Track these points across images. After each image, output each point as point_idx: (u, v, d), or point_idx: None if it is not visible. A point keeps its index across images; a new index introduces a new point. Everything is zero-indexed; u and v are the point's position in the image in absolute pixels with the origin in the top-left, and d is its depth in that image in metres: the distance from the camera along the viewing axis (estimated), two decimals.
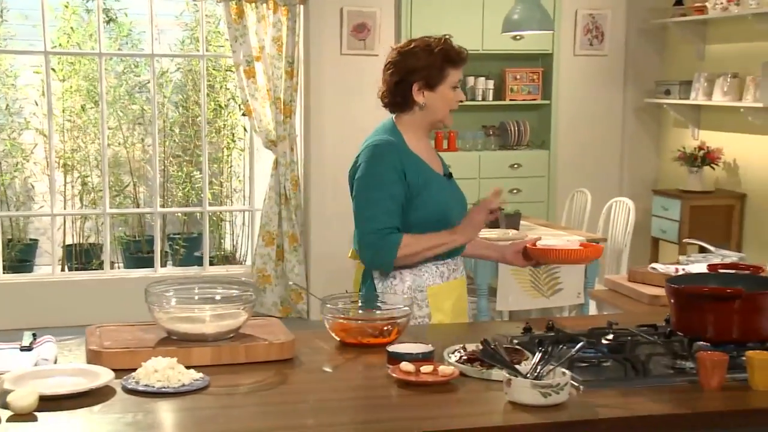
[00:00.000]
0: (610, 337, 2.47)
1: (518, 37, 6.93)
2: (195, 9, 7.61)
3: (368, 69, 6.94)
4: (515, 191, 7.10)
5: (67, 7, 7.46)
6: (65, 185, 7.67)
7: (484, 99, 7.17)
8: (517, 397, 2.03)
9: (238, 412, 1.99)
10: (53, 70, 7.23)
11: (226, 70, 7.72)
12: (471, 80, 7.14)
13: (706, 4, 6.54)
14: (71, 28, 7.44)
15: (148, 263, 7.27)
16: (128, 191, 7.97)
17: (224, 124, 7.92)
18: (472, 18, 6.89)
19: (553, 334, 2.51)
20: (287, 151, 6.81)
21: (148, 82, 7.26)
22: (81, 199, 7.72)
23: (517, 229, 5.45)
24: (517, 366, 2.13)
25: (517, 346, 2.39)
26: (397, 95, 2.90)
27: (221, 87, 7.90)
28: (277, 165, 6.84)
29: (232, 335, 2.36)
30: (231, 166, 8.06)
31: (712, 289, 2.34)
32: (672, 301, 2.41)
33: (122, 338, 2.29)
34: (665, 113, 7.38)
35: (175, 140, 7.96)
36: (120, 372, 2.12)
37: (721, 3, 6.33)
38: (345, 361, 2.38)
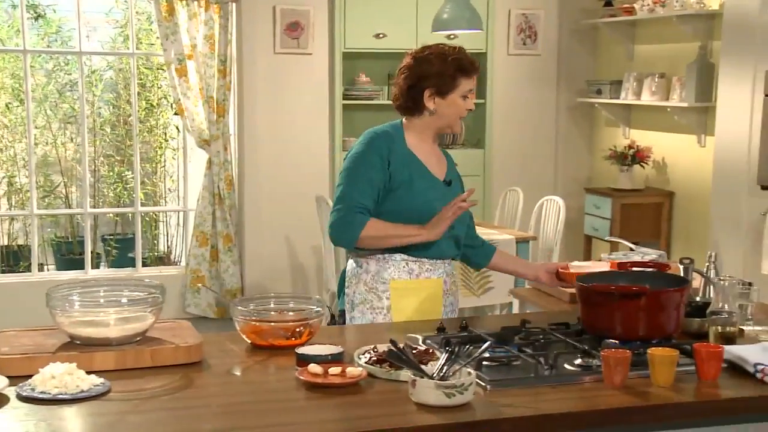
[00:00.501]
0: (523, 336, 2.48)
1: (452, 36, 6.93)
2: (125, 6, 7.50)
3: (302, 68, 6.91)
4: None
5: None
6: None
7: None
8: (422, 398, 2.03)
9: (136, 418, 1.95)
10: None
11: (158, 69, 7.62)
12: None
13: (634, 5, 6.63)
14: None
15: (81, 265, 7.14)
16: (59, 191, 7.83)
17: (156, 123, 7.81)
18: (405, 17, 6.90)
19: (465, 333, 2.52)
20: (221, 150, 6.74)
21: (100, 79, 7.20)
22: (9, 200, 7.56)
23: None
24: (423, 366, 2.12)
25: (429, 347, 2.39)
26: (409, 100, 2.95)
27: (153, 85, 7.79)
28: (211, 164, 6.77)
29: (138, 339, 2.31)
30: (164, 166, 7.96)
31: (618, 287, 2.37)
32: (581, 299, 2.43)
33: (21, 343, 2.24)
34: (597, 112, 7.46)
35: (106, 139, 7.83)
36: (17, 379, 2.06)
37: (648, 4, 6.42)
38: (254, 363, 2.35)
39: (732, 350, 2.27)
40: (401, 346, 2.18)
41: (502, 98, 7.36)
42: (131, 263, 7.42)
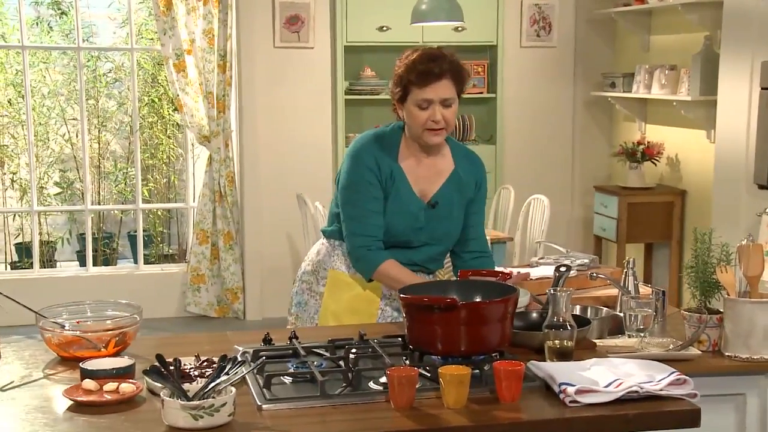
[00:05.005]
0: (347, 349, 2.27)
1: (460, 29, 6.71)
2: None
3: (303, 62, 6.77)
4: None
5: None
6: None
7: None
8: (171, 420, 1.86)
9: None
10: None
11: (158, 64, 7.57)
12: None
13: None
14: None
15: (106, 261, 7.23)
16: (76, 188, 7.87)
17: (161, 119, 7.79)
18: (409, 9, 6.65)
19: (290, 345, 2.33)
20: (221, 146, 6.66)
21: (105, 75, 7.17)
22: (22, 197, 7.66)
23: None
24: (189, 385, 1.95)
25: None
26: (395, 105, 2.83)
27: (154, 80, 7.76)
28: (211, 161, 6.69)
29: None
30: (172, 163, 7.93)
31: (430, 299, 2.13)
32: (404, 312, 2.21)
33: None
34: (615, 107, 7.11)
35: (121, 136, 7.85)
36: None
37: None
38: (42, 378, 2.19)
39: (546, 368, 2.03)
40: (175, 359, 2.01)
41: (514, 93, 7.08)
42: (152, 260, 7.51)
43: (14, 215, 7.73)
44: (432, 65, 2.69)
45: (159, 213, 7.89)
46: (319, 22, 6.72)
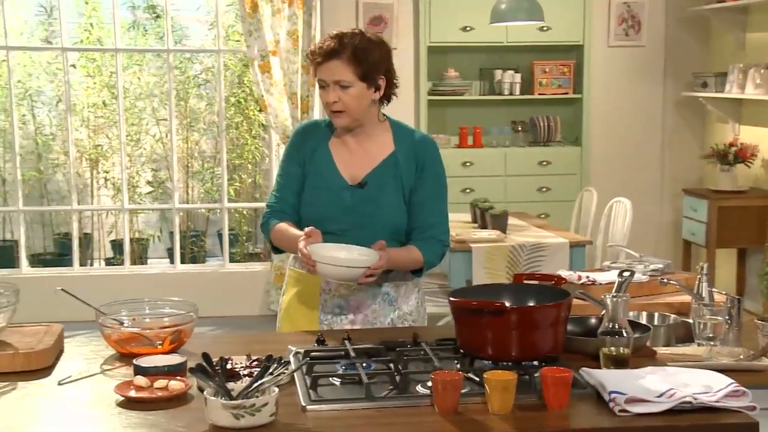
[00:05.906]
0: (399, 352, 2.25)
1: (545, 28, 6.62)
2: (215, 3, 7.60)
3: None
4: (544, 189, 6.80)
5: (87, 3, 7.60)
6: (91, 180, 7.81)
7: (511, 93, 6.87)
8: (214, 419, 1.86)
9: None
10: (73, 66, 7.40)
11: (245, 65, 7.68)
12: (498, 74, 6.88)
13: None
14: (91, 24, 7.57)
15: (194, 259, 7.42)
16: (167, 186, 8.04)
17: (247, 119, 7.90)
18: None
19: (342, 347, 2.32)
20: None
21: (195, 77, 7.31)
22: (115, 195, 7.87)
23: (504, 231, 5.16)
24: (232, 383, 1.96)
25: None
26: None
27: (240, 81, 7.88)
28: None
29: None
30: (260, 163, 8.04)
31: (479, 302, 2.09)
32: (454, 316, 2.18)
33: None
34: (706, 107, 6.89)
35: (209, 136, 8.01)
36: None
37: None
38: (98, 373, 2.23)
39: (597, 375, 1.97)
40: (224, 358, 2.02)
41: (602, 93, 6.95)
42: (238, 258, 7.65)
43: (107, 213, 7.95)
44: (326, 44, 2.64)
45: (245, 212, 7.99)
46: (403, 23, 6.72)
